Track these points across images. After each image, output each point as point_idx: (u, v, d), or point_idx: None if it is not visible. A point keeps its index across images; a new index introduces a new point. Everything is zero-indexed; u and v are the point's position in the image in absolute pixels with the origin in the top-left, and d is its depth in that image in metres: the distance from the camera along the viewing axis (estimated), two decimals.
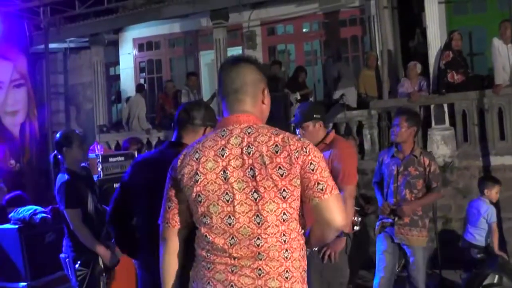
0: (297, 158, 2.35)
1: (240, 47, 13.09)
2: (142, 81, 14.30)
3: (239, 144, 2.40)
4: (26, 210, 5.95)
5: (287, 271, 2.36)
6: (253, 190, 2.35)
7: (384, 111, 9.81)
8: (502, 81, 8.92)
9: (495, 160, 8.76)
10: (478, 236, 6.83)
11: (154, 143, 11.71)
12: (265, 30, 13.00)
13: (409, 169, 5.35)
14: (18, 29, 12.20)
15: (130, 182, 3.35)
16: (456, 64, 9.46)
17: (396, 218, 5.29)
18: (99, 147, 7.86)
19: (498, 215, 8.11)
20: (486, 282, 5.95)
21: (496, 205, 8.09)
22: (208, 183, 2.41)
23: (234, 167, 2.38)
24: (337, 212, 2.37)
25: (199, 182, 2.42)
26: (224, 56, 11.90)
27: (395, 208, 5.30)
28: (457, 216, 8.39)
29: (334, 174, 4.35)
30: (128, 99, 13.18)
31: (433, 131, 9.34)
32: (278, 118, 7.20)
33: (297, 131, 4.79)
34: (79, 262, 4.90)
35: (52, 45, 13.32)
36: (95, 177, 5.98)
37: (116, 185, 6.02)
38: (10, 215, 5.94)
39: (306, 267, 2.47)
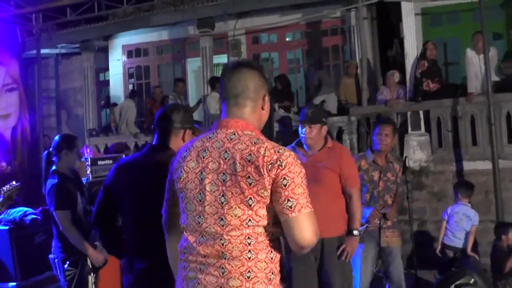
0: (269, 170, 2.27)
1: (226, 55, 13.11)
2: (131, 86, 14.26)
3: (219, 148, 2.38)
4: (16, 212, 5.91)
5: (249, 271, 2.31)
6: (221, 194, 2.33)
7: (363, 118, 9.85)
8: (474, 89, 9.00)
9: (468, 165, 8.83)
10: (458, 239, 6.93)
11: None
12: (249, 38, 13.02)
13: (388, 175, 5.41)
14: (10, 35, 12.08)
15: (113, 185, 3.31)
16: (431, 73, 9.54)
17: (382, 222, 5.32)
18: (88, 150, 7.83)
19: None
20: (460, 282, 5.97)
21: None
22: (188, 181, 2.43)
23: (210, 170, 2.37)
24: (305, 231, 2.28)
25: (181, 179, 2.45)
26: (210, 64, 11.94)
27: (384, 213, 5.32)
28: (432, 218, 8.44)
29: (343, 177, 4.65)
30: (114, 104, 13.12)
31: (409, 137, 9.40)
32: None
33: (302, 129, 4.77)
34: (67, 262, 4.87)
35: (44, 51, 13.28)
36: (84, 180, 5.95)
37: None
38: (1, 217, 5.88)
39: (276, 270, 2.40)
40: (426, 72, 9.50)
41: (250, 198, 2.29)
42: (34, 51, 12.68)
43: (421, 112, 9.44)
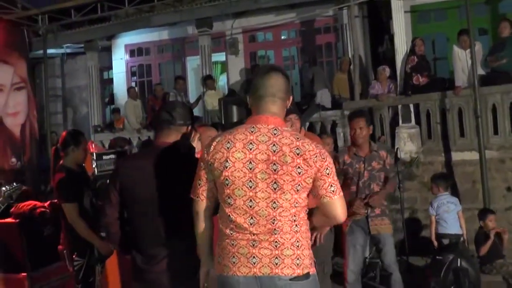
0: (315, 162, 2.62)
1: (224, 53, 13.10)
2: (133, 84, 14.21)
3: (265, 142, 2.63)
4: (26, 205, 5.88)
5: (297, 240, 2.64)
6: (273, 181, 2.59)
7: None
8: (461, 83, 9.00)
9: (456, 156, 8.84)
10: (453, 225, 7.06)
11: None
12: (246, 37, 12.99)
13: (373, 164, 5.28)
14: (18, 36, 12.07)
15: (119, 181, 3.22)
16: (420, 68, 9.54)
17: (369, 211, 5.27)
18: (93, 146, 7.79)
19: None
20: (450, 266, 5.98)
21: (457, 196, 8.21)
22: (235, 170, 2.63)
23: (259, 160, 2.61)
24: (341, 210, 2.69)
25: (228, 168, 2.63)
26: (209, 61, 11.92)
27: (367, 202, 5.26)
28: (422, 207, 8.44)
29: None
30: (117, 110, 13.11)
31: (400, 129, 9.39)
32: None
33: (286, 123, 4.72)
34: (75, 253, 4.86)
35: (50, 51, 13.24)
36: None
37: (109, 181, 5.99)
38: (11, 210, 5.86)
39: (310, 236, 2.77)
40: (416, 67, 9.50)
41: (299, 185, 2.61)
42: (41, 51, 12.64)
43: (411, 105, 9.44)
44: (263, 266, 2.60)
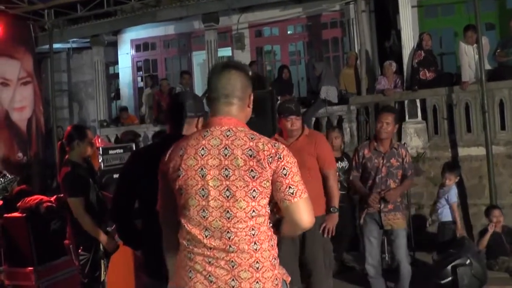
0: (270, 163, 2.37)
1: (230, 48, 13.08)
2: (139, 79, 14.23)
3: (217, 146, 2.42)
4: (32, 200, 5.92)
5: (257, 261, 2.39)
6: (226, 188, 2.38)
7: (362, 106, 9.84)
8: (468, 78, 8.96)
9: (462, 151, 8.83)
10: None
11: (150, 136, 11.65)
12: (252, 32, 12.97)
13: (391, 161, 5.38)
14: (24, 31, 12.10)
15: (131, 174, 3.23)
16: (427, 62, 9.51)
17: (382, 206, 5.32)
18: (99, 141, 7.83)
19: (465, 201, 8.27)
20: (456, 262, 5.97)
21: (463, 191, 8.24)
22: (188, 178, 2.45)
23: (211, 166, 2.41)
24: (305, 214, 2.41)
25: (181, 176, 2.46)
26: (215, 56, 11.91)
27: (383, 196, 5.32)
28: (429, 202, 8.43)
29: (321, 160, 4.84)
30: (125, 108, 13.14)
31: (407, 125, 9.38)
32: (265, 113, 7.20)
33: (289, 123, 4.89)
34: (81, 247, 4.89)
35: (56, 45, 13.23)
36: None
37: (115, 176, 6.01)
38: (18, 205, 5.90)
39: (276, 254, 2.50)
40: (422, 62, 9.47)
41: (254, 190, 2.37)
42: (47, 46, 12.64)
43: (417, 101, 9.42)
44: (219, 287, 2.39)
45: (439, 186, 7.60)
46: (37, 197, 6.03)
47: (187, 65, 13.74)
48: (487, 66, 8.79)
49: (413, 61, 9.59)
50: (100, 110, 13.17)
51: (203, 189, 2.42)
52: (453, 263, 5.99)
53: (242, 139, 2.42)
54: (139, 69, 14.42)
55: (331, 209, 4.86)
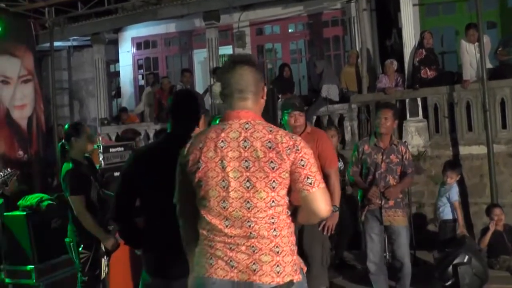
0: (288, 154, 2.45)
1: (231, 46, 13.05)
2: (140, 77, 14.23)
3: (236, 138, 2.50)
4: (33, 198, 5.92)
5: (277, 246, 2.47)
6: (246, 179, 2.46)
7: (363, 105, 9.83)
8: (469, 76, 8.95)
9: (463, 150, 8.81)
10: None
11: (151, 134, 11.65)
12: (253, 30, 12.95)
13: (391, 157, 5.41)
14: (25, 29, 12.09)
15: (133, 173, 3.21)
16: (429, 61, 9.50)
17: (383, 202, 5.33)
18: (100, 139, 7.82)
19: (466, 200, 8.27)
20: (456, 261, 5.97)
21: (464, 190, 8.24)
22: (208, 170, 2.51)
23: (231, 158, 2.48)
24: (322, 203, 2.49)
25: (200, 168, 2.52)
26: (216, 55, 11.89)
27: (383, 192, 5.34)
28: (429, 201, 8.43)
29: (322, 159, 4.80)
30: (124, 109, 13.14)
31: (408, 123, 9.37)
32: (266, 111, 7.18)
33: (290, 118, 4.89)
34: (82, 245, 4.89)
35: (56, 43, 13.22)
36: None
37: (116, 174, 6.01)
38: (18, 203, 5.90)
39: (294, 241, 2.58)
40: (424, 60, 9.46)
41: (274, 181, 2.45)
42: (48, 44, 12.62)
43: (418, 99, 9.41)
44: (240, 271, 2.45)
45: (440, 185, 7.60)
46: (38, 195, 6.04)
47: (188, 63, 13.73)
48: (488, 65, 8.78)
49: (414, 60, 9.58)
50: (100, 108, 13.15)
51: (223, 181, 2.49)
52: (454, 262, 5.99)
53: (261, 131, 2.50)
54: (140, 67, 14.41)
55: (332, 207, 4.86)
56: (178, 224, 2.90)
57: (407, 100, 9.49)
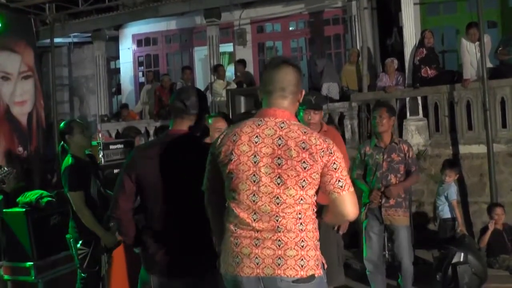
0: (322, 157, 2.54)
1: (231, 44, 13.05)
2: (140, 74, 14.21)
3: (271, 136, 2.58)
4: (32, 194, 5.90)
5: (302, 240, 2.56)
6: (277, 176, 2.54)
7: (363, 103, 9.81)
8: (470, 75, 8.93)
9: (463, 149, 8.80)
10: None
11: (151, 132, 11.64)
12: (254, 28, 12.94)
13: (392, 156, 5.40)
14: (25, 24, 12.05)
15: (134, 171, 3.19)
16: (429, 60, 9.47)
17: (383, 201, 5.32)
18: (100, 135, 7.79)
19: (465, 199, 8.27)
20: (455, 260, 5.97)
21: (464, 189, 8.23)
22: (240, 163, 2.59)
23: (264, 154, 2.57)
24: (351, 206, 2.58)
25: (232, 161, 2.60)
26: (217, 52, 11.89)
27: (383, 191, 5.33)
28: (429, 200, 8.42)
29: None
30: (125, 105, 13.11)
31: (408, 122, 9.36)
32: None
33: (306, 116, 4.84)
34: (80, 241, 4.88)
35: (57, 40, 13.20)
36: None
37: (116, 171, 5.99)
38: (18, 199, 5.88)
39: (318, 237, 2.67)
40: (424, 59, 9.44)
41: (304, 180, 2.54)
42: (48, 40, 12.60)
43: (419, 98, 9.39)
44: (266, 266, 2.54)
45: (439, 184, 7.59)
46: (37, 192, 6.02)
47: (188, 60, 13.72)
48: (489, 64, 8.76)
49: (414, 59, 9.55)
50: (101, 105, 13.15)
51: (254, 175, 2.57)
52: (453, 261, 5.99)
53: (296, 132, 2.58)
54: (140, 64, 14.40)
55: None
56: (178, 222, 2.91)
57: (407, 99, 9.48)
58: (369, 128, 9.65)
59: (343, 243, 5.21)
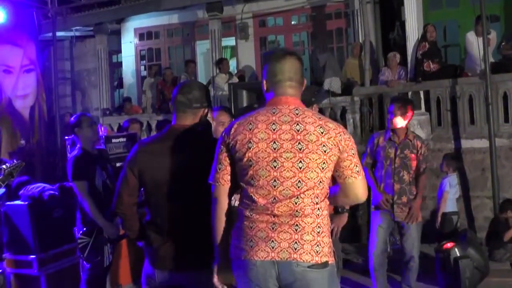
0: (340, 141, 2.64)
1: (234, 38, 13.01)
2: (142, 68, 14.19)
3: (288, 122, 2.64)
4: (35, 188, 5.90)
5: (318, 226, 2.63)
6: (299, 160, 2.60)
7: (365, 98, 9.80)
8: (475, 69, 8.91)
9: (465, 143, 8.78)
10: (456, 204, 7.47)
11: (153, 125, 11.64)
12: (256, 22, 12.90)
13: (405, 152, 5.35)
14: (27, 18, 12.05)
15: (136, 165, 3.17)
16: (432, 54, 9.45)
17: (396, 197, 5.30)
18: (102, 129, 7.79)
19: (467, 193, 8.26)
20: (457, 255, 5.96)
21: (466, 183, 8.23)
22: (259, 150, 2.63)
23: (284, 140, 2.62)
24: (363, 190, 2.72)
25: (251, 149, 2.64)
26: (219, 46, 11.87)
27: (408, 212, 5.35)
28: (431, 194, 8.40)
29: None
30: (128, 99, 13.10)
31: None
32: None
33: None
34: (81, 231, 4.94)
35: (59, 33, 13.19)
36: None
37: (118, 164, 5.99)
38: (20, 193, 5.88)
39: (330, 223, 2.76)
40: (427, 53, 9.41)
41: (324, 163, 2.62)
42: (50, 34, 12.60)
43: (421, 92, 9.38)
44: (281, 250, 2.58)
45: (442, 178, 7.60)
46: (40, 185, 6.02)
47: (190, 54, 13.68)
48: (491, 59, 8.73)
49: (417, 53, 9.54)
50: (103, 98, 13.16)
51: (275, 161, 2.61)
52: (455, 255, 5.98)
53: (311, 117, 2.67)
54: (142, 58, 14.38)
55: (339, 209, 4.69)
56: (182, 217, 2.90)
57: (409, 93, 9.45)
58: (371, 122, 9.63)
59: (340, 246, 5.17)
